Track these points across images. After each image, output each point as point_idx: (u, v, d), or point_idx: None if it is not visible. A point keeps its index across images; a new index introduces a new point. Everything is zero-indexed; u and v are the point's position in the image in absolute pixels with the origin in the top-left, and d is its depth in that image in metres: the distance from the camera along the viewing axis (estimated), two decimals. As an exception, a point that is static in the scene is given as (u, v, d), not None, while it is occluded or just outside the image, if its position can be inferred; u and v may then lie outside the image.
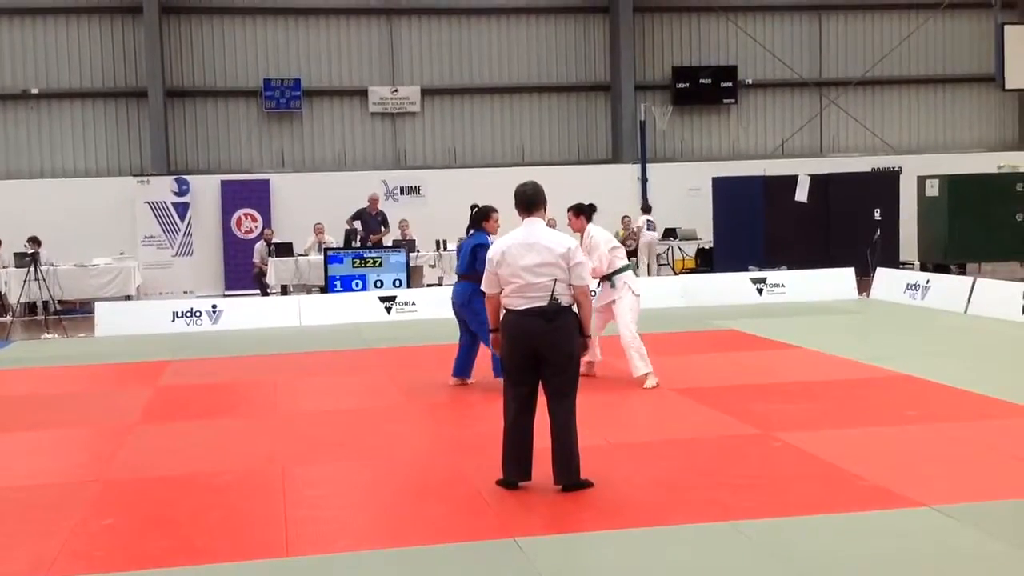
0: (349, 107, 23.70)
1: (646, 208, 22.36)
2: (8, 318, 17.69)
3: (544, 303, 6.36)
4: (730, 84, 24.66)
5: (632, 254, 21.36)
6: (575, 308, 6.48)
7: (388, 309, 16.44)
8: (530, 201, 6.64)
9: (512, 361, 6.49)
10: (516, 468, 6.51)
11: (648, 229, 21.52)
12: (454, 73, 23.99)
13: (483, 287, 6.68)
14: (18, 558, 5.62)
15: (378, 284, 18.09)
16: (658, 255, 22.18)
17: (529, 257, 6.42)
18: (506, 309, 6.52)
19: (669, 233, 22.26)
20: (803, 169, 21.27)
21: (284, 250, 19.44)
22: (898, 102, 25.83)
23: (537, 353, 6.38)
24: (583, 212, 10.14)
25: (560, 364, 6.39)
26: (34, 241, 17.90)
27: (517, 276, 6.42)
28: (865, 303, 16.76)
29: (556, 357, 6.38)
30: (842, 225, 20.51)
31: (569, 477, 6.42)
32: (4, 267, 18.63)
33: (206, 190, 22.04)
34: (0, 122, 22.45)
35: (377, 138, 23.87)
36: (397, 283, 18.17)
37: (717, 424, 8.31)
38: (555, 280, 6.38)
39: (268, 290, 19.23)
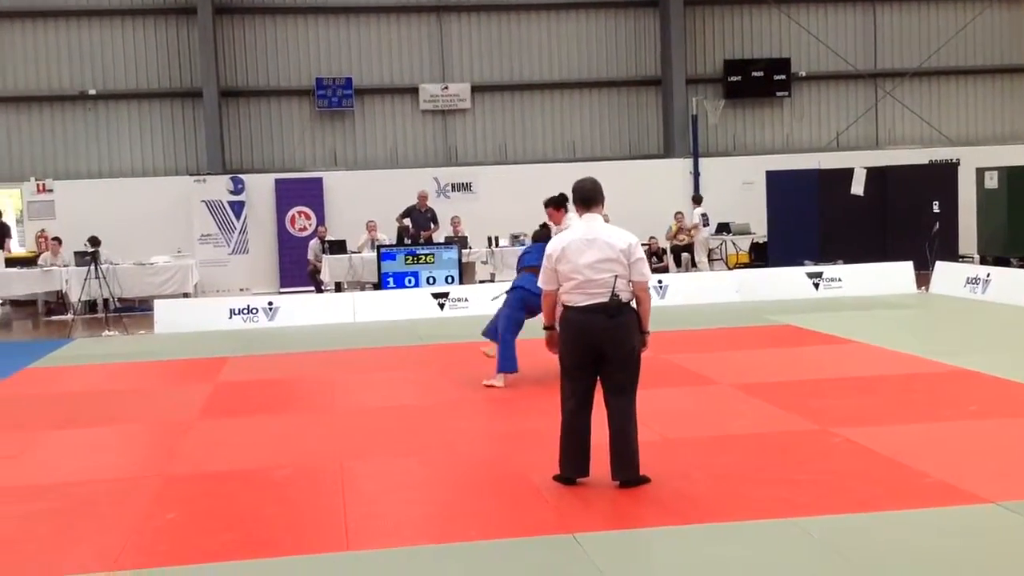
0: (400, 105, 23.81)
1: (698, 199, 22.19)
2: (69, 316, 18.00)
3: (605, 299, 6.31)
4: (783, 77, 24.42)
5: (686, 249, 21.27)
6: (634, 304, 6.45)
7: (441, 305, 16.49)
8: (588, 197, 6.59)
9: (572, 358, 6.45)
10: (574, 464, 6.48)
11: (703, 224, 21.40)
12: (504, 69, 24.01)
13: (540, 283, 6.64)
14: (83, 552, 5.70)
15: (431, 280, 18.16)
16: (711, 250, 22.03)
17: (589, 254, 6.37)
18: (565, 306, 6.48)
19: (723, 228, 22.08)
20: (859, 162, 21.00)
21: (338, 247, 19.57)
22: (955, 93, 25.41)
23: (599, 350, 6.34)
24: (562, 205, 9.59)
25: (622, 360, 6.36)
26: (94, 240, 18.18)
27: (577, 272, 6.38)
28: (924, 297, 16.51)
29: (618, 353, 6.34)
30: (899, 218, 20.25)
31: (628, 473, 6.38)
32: (65, 266, 18.94)
33: (261, 189, 22.27)
34: (59, 123, 22.87)
35: (428, 135, 23.95)
36: (449, 279, 18.22)
37: (775, 420, 8.22)
38: (615, 276, 6.33)
39: (322, 287, 19.38)
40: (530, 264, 9.95)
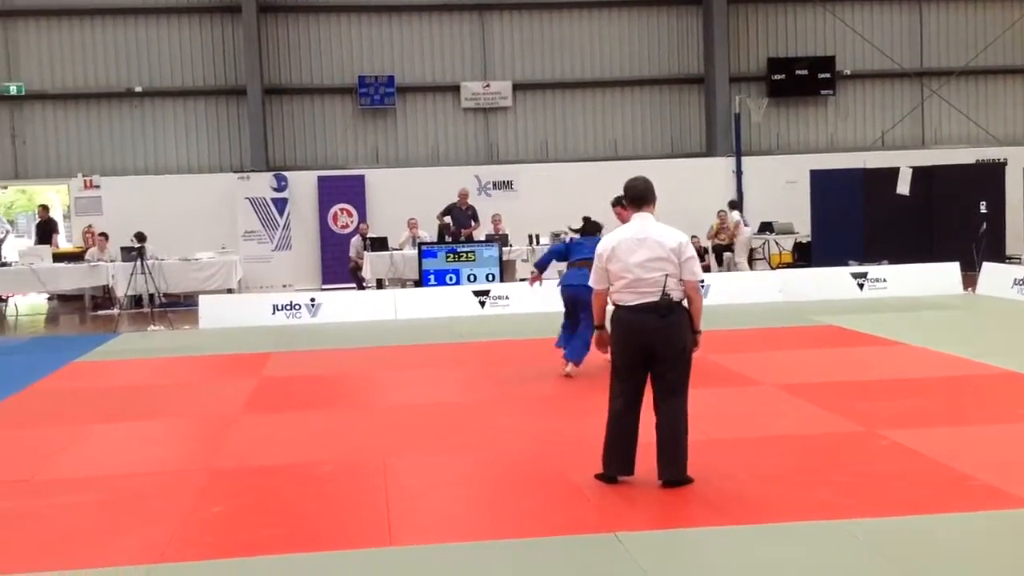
0: (442, 103, 23.87)
1: (734, 204, 22.04)
2: (116, 311, 18.22)
3: (656, 298, 6.29)
4: (828, 75, 24.22)
5: (728, 248, 21.16)
6: (685, 303, 6.42)
7: (482, 303, 16.52)
8: (640, 196, 6.56)
9: (623, 357, 6.43)
10: (619, 463, 6.45)
11: (744, 224, 21.26)
12: (545, 67, 23.99)
13: (591, 283, 6.63)
14: (129, 545, 5.75)
15: (471, 278, 18.19)
16: (753, 249, 21.88)
17: (640, 253, 6.35)
18: (616, 305, 6.46)
19: (765, 227, 21.92)
20: (904, 161, 20.76)
21: (379, 244, 19.66)
22: (1003, 92, 25.07)
23: (650, 349, 6.31)
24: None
25: (674, 359, 6.33)
26: (140, 236, 18.40)
27: (628, 271, 6.35)
28: (971, 299, 16.30)
29: (670, 352, 6.31)
30: (946, 218, 19.99)
31: (675, 473, 6.34)
32: (111, 261, 19.17)
33: (303, 186, 22.43)
34: (106, 120, 23.15)
35: (469, 133, 24.00)
36: (490, 277, 18.24)
37: (820, 421, 8.15)
38: (666, 275, 6.30)
39: (364, 284, 19.47)
40: (582, 257, 9.91)
